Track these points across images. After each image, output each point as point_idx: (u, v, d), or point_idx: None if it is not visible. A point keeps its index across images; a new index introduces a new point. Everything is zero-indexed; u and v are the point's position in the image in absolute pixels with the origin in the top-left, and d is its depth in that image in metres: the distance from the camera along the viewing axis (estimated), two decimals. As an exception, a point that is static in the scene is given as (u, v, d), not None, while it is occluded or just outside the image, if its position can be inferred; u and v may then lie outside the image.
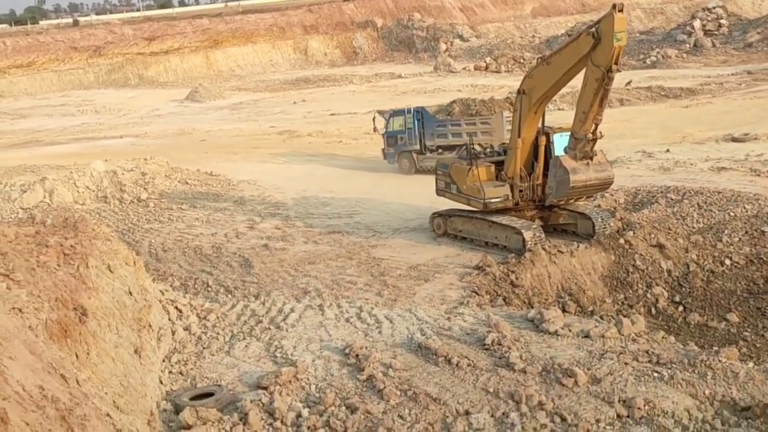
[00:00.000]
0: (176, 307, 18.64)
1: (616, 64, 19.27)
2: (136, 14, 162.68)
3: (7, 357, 8.49)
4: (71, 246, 15.20)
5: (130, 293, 16.25)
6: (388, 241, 24.90)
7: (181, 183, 34.47)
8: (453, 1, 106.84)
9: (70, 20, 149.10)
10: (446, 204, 25.12)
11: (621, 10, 19.15)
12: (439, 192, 24.97)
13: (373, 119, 37.60)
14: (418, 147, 35.15)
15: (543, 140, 22.65)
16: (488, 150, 24.95)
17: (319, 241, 25.45)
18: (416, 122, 35.26)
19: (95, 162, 35.31)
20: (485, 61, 74.80)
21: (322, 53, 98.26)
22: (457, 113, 35.70)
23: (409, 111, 36.16)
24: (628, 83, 53.49)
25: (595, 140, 20.58)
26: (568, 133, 21.73)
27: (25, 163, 40.77)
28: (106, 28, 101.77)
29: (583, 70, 20.30)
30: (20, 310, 10.90)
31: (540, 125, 22.71)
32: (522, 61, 72.57)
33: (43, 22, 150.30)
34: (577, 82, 21.47)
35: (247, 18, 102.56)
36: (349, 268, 22.31)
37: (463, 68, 75.68)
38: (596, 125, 20.34)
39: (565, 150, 21.18)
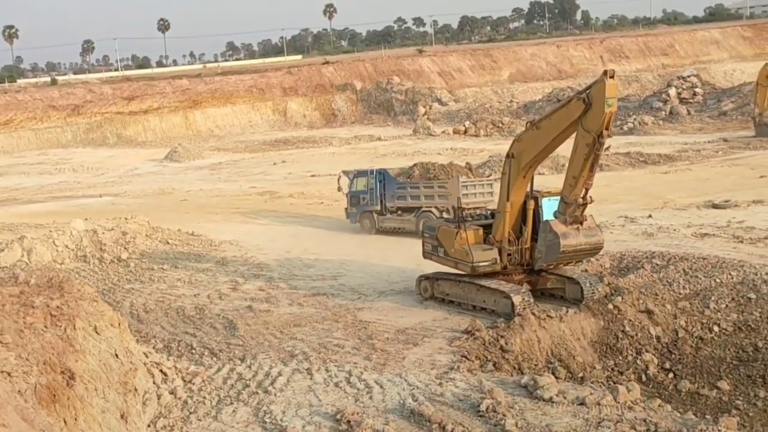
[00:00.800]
0: (161, 370, 18.23)
1: (607, 129, 19.34)
2: (114, 74, 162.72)
3: (0, 424, 8.16)
4: (58, 307, 14.87)
5: (116, 356, 15.89)
6: (375, 303, 24.64)
7: (162, 243, 34.11)
8: (431, 65, 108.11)
9: (48, 79, 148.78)
10: (432, 267, 24.95)
11: (612, 77, 19.27)
12: (426, 255, 24.78)
13: (338, 179, 38.18)
14: (378, 208, 35.98)
15: (532, 204, 22.58)
16: (476, 213, 24.86)
17: (304, 303, 25.16)
18: (378, 183, 36.14)
19: (75, 221, 34.89)
20: (464, 125, 75.33)
21: (302, 115, 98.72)
22: (417, 176, 36.25)
23: (371, 172, 37.09)
24: (607, 148, 53.86)
25: (585, 205, 20.57)
26: (557, 197, 21.73)
27: (3, 221, 40.27)
28: (84, 87, 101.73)
29: (573, 135, 20.36)
30: (9, 374, 10.57)
31: (528, 189, 22.66)
32: (501, 125, 73.13)
33: (20, 81, 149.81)
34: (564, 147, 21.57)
35: (227, 79, 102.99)
36: (336, 331, 22.00)
37: (443, 132, 76.18)
38: (587, 190, 20.34)
39: (555, 214, 21.13)
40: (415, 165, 37.78)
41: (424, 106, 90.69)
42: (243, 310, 24.72)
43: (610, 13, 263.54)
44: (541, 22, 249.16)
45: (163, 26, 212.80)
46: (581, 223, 20.79)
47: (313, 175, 54.85)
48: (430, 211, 34.26)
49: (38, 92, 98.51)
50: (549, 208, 22.24)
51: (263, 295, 26.44)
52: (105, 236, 33.34)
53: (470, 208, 32.25)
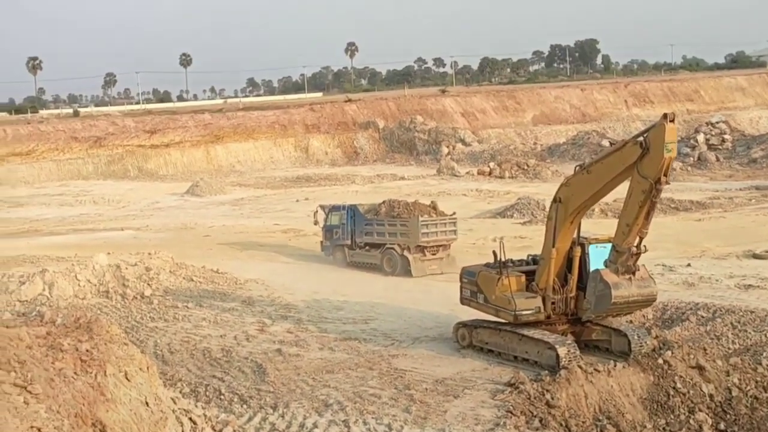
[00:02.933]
0: (190, 419, 17.19)
1: (665, 175, 18.39)
2: (135, 107, 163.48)
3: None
4: (87, 351, 13.94)
5: (146, 404, 14.92)
6: (409, 350, 23.64)
7: (186, 280, 33.25)
8: (455, 105, 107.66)
9: (70, 110, 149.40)
10: (468, 313, 23.99)
11: (672, 120, 18.30)
12: (464, 301, 23.79)
13: (315, 213, 39.81)
14: (349, 242, 37.34)
15: (578, 251, 21.58)
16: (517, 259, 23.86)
17: (335, 348, 24.19)
18: (349, 219, 37.51)
19: (98, 255, 34.10)
20: (489, 166, 74.57)
21: (323, 152, 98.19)
22: (383, 214, 36.95)
23: (344, 207, 38.66)
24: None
25: (638, 254, 19.57)
26: (605, 245, 20.81)
27: (24, 253, 39.63)
28: (107, 119, 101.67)
29: (627, 181, 19.45)
30: (39, 430, 9.62)
31: (575, 235, 21.70)
32: (526, 167, 72.33)
33: (43, 112, 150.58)
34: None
35: (249, 114, 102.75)
36: (371, 380, 20.99)
37: (467, 172, 75.38)
38: (641, 239, 19.37)
39: (606, 263, 20.11)
40: (383, 202, 38.49)
41: (448, 146, 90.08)
42: (272, 353, 23.76)
43: (630, 58, 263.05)
44: (562, 65, 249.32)
45: (185, 61, 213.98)
46: (634, 274, 19.77)
47: (337, 214, 54.01)
48: (392, 248, 35.31)
49: (60, 123, 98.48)
50: (596, 255, 21.28)
51: (292, 337, 25.50)
52: (128, 271, 32.50)
53: (431, 246, 34.98)
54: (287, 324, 27.14)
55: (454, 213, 37.40)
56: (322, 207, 40.44)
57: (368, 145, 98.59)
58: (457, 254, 37.94)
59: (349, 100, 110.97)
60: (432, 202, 38.67)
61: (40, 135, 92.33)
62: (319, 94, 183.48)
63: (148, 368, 16.69)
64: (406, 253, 35.00)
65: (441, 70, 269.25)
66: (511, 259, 23.27)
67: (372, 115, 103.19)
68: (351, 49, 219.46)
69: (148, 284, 31.96)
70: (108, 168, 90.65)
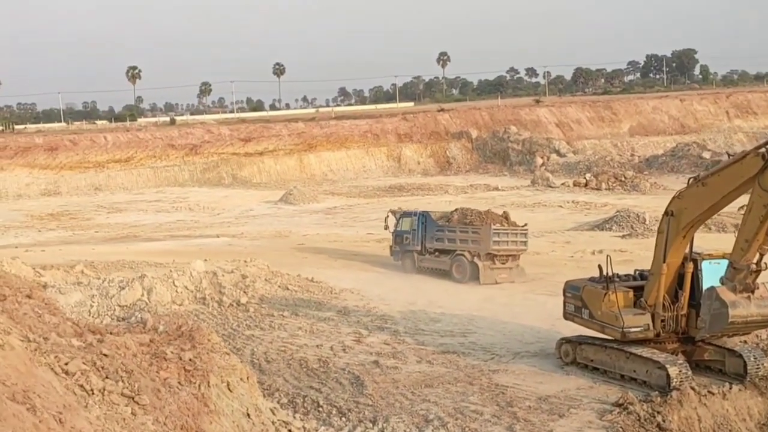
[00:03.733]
0: (290, 431, 16.93)
1: (788, 189, 17.38)
2: (230, 115, 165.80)
3: None
4: (190, 360, 13.74)
5: (248, 415, 14.66)
6: (510, 366, 22.96)
7: (281, 288, 33.16)
8: (549, 115, 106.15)
9: (167, 119, 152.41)
10: (571, 328, 23.22)
11: (798, 131, 17.26)
12: (568, 316, 22.99)
13: (386, 218, 40.44)
14: (419, 248, 37.67)
15: (690, 267, 20.64)
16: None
17: (433, 362, 23.67)
18: (420, 225, 37.95)
19: (195, 262, 34.31)
20: (585, 178, 73.08)
21: (416, 161, 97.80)
22: (455, 221, 37.27)
23: (415, 214, 39.22)
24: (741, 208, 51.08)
25: (758, 272, 18.53)
26: (719, 261, 19.86)
27: (123, 258, 40.16)
28: (203, 127, 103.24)
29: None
30: (147, 442, 9.33)
31: (687, 250, 20.75)
32: (623, 179, 70.64)
33: (141, 120, 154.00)
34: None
35: (342, 123, 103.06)
36: (472, 395, 20.41)
37: (562, 183, 74.02)
38: (761, 255, 18.35)
39: (722, 280, 19.11)
40: (455, 210, 38.86)
41: (542, 157, 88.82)
42: (369, 365, 23.36)
43: (729, 68, 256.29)
44: (658, 76, 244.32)
45: (279, 70, 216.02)
46: (752, 292, 18.73)
47: (430, 223, 53.49)
48: (462, 255, 35.62)
49: (158, 131, 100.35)
50: (709, 272, 20.33)
51: (389, 349, 25.07)
52: (224, 279, 32.59)
53: (501, 255, 35.06)
54: (384, 335, 26.75)
55: (526, 224, 37.40)
56: (393, 212, 41.08)
57: (461, 154, 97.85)
58: (556, 267, 37.30)
59: (442, 110, 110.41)
60: (504, 212, 38.80)
61: (138, 142, 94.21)
62: (411, 104, 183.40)
63: (248, 378, 16.48)
64: (476, 260, 35.31)
65: (533, 80, 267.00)
66: (617, 274, 22.38)
67: (465, 124, 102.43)
68: (443, 58, 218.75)
69: (245, 292, 31.97)
70: (203, 175, 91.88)
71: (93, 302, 30.60)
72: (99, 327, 16.44)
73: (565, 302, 23.12)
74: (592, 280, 22.69)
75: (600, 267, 22.13)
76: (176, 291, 31.77)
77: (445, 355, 24.29)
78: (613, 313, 20.96)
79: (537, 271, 36.74)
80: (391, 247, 39.42)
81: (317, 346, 25.65)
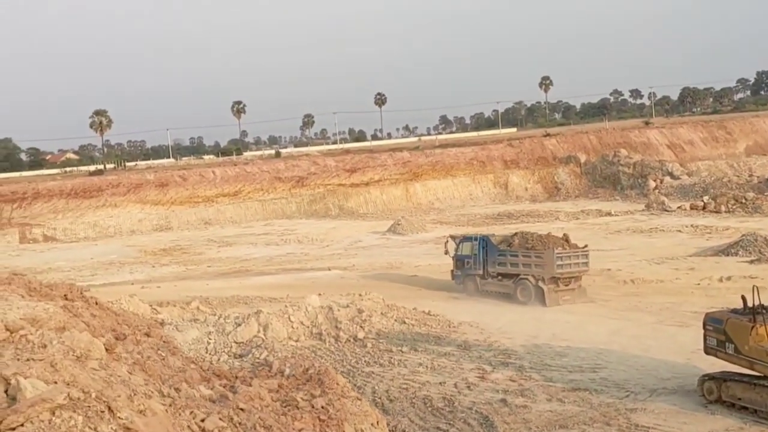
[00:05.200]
0: (423, 478, 16.03)
1: None
2: (333, 146, 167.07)
3: None
4: (323, 407, 12.98)
5: (382, 466, 13.82)
6: (648, 404, 21.56)
7: (398, 322, 32.37)
8: (660, 137, 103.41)
9: (272, 151, 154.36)
10: (712, 363, 21.72)
11: None
12: (710, 351, 21.49)
13: (446, 243, 41.65)
14: (481, 272, 38.75)
15: None
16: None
17: (564, 400, 22.43)
18: (481, 249, 38.92)
19: (310, 296, 33.91)
20: (702, 200, 70.44)
21: (523, 188, 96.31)
22: (516, 245, 37.77)
23: (476, 238, 40.04)
24: None
25: None
26: None
27: (238, 293, 40.07)
28: (308, 159, 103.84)
29: None
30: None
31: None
32: (744, 201, 67.76)
33: (247, 153, 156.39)
34: None
35: (447, 152, 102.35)
36: (611, 437, 19.15)
37: (678, 207, 71.50)
38: None
39: None
40: (515, 234, 39.46)
41: (655, 180, 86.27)
42: (497, 404, 22.28)
43: None
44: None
45: (380, 100, 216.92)
46: None
47: (544, 252, 52.09)
48: (527, 279, 36.30)
49: (265, 164, 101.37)
50: None
51: (516, 386, 23.93)
52: (340, 313, 32.00)
53: (564, 278, 35.70)
54: (508, 371, 25.63)
55: (586, 245, 37.92)
56: (453, 237, 42.20)
57: (569, 180, 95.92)
58: (682, 296, 35.76)
59: (548, 135, 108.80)
60: (564, 234, 39.23)
61: (246, 176, 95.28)
62: (514, 129, 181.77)
63: (378, 423, 15.66)
64: (540, 283, 35.88)
65: (638, 101, 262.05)
66: (764, 305, 20.84)
67: (572, 149, 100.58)
68: (545, 83, 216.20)
69: (361, 326, 31.30)
70: (310, 207, 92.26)
71: (210, 339, 30.39)
72: (224, 371, 15.88)
73: (705, 336, 21.66)
74: (735, 311, 21.19)
75: (744, 298, 20.67)
76: (292, 327, 31.30)
77: (576, 392, 23.04)
78: (763, 348, 19.46)
79: (663, 300, 35.20)
80: (452, 271, 40.58)
81: (440, 383, 24.70)
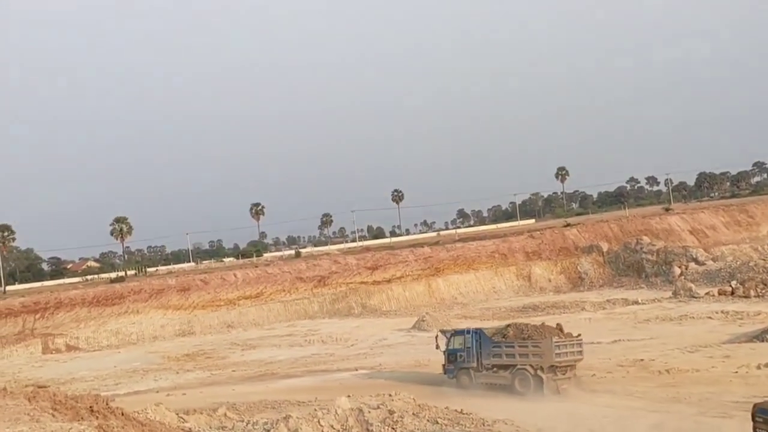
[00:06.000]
0: None
1: None
2: (353, 245, 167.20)
3: None
4: None
5: None
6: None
7: (430, 422, 31.40)
8: (681, 223, 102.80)
9: (292, 252, 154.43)
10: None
11: None
12: (762, 445, 20.65)
13: (436, 338, 42.28)
14: (475, 364, 39.37)
15: None
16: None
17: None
18: (474, 342, 39.59)
19: (339, 398, 33.10)
20: (730, 285, 69.50)
21: (546, 279, 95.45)
22: (511, 336, 38.62)
23: (468, 332, 40.91)
24: None
25: None
26: None
27: (265, 398, 39.29)
28: (329, 258, 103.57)
29: None
30: None
31: None
32: (772, 284, 66.79)
33: (267, 254, 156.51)
34: None
35: (468, 245, 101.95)
36: None
37: (706, 293, 70.49)
38: None
39: None
40: (509, 325, 40.34)
41: (680, 266, 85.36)
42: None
43: None
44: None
45: (397, 197, 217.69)
46: None
47: (573, 344, 51.11)
48: (524, 369, 37.10)
49: (286, 265, 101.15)
50: None
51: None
52: (371, 415, 31.13)
53: (562, 366, 36.55)
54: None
55: (580, 334, 38.75)
56: (443, 332, 42.94)
57: (593, 269, 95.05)
58: (721, 385, 34.81)
59: (568, 225, 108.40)
60: (557, 324, 40.20)
61: (267, 277, 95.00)
62: (532, 221, 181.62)
63: None
64: (539, 372, 36.68)
65: (655, 188, 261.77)
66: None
67: (594, 238, 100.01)
68: (562, 173, 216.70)
69: (393, 428, 30.41)
70: (332, 306, 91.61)
71: (239, 447, 29.61)
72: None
73: (755, 428, 20.85)
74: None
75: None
76: (323, 431, 30.49)
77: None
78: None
79: (701, 390, 34.24)
80: (444, 365, 41.28)
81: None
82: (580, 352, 37.70)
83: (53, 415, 10.11)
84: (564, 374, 36.84)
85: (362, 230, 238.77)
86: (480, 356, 39.21)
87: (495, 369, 38.63)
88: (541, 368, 36.55)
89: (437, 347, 41.62)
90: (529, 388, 36.72)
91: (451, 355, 40.71)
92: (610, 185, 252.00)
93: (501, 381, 38.07)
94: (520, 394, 36.44)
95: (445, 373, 41.04)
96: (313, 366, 53.25)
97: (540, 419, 31.38)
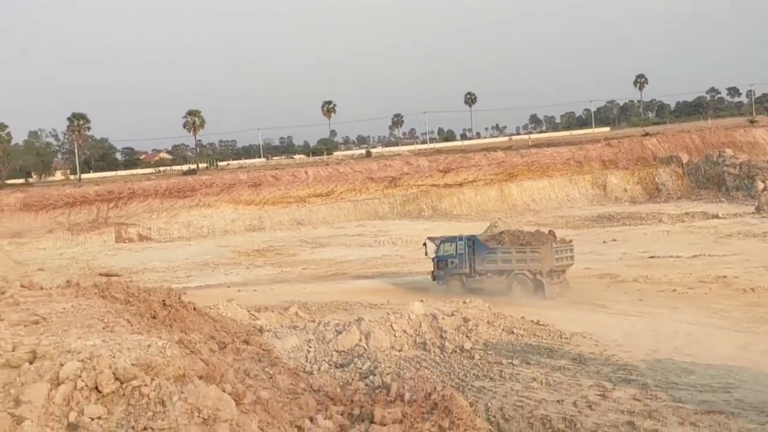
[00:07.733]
0: None
1: None
2: (423, 146, 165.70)
3: None
4: (456, 443, 11.49)
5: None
6: (796, 432, 19.51)
7: (506, 332, 30.58)
8: (767, 136, 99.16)
9: (362, 151, 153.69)
10: None
11: None
12: None
13: (424, 245, 43.43)
14: (467, 270, 40.16)
15: None
16: None
17: (698, 424, 20.41)
18: (467, 248, 40.38)
19: (412, 303, 32.34)
20: (818, 203, 66.95)
21: (622, 189, 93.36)
22: (508, 242, 39.70)
23: (461, 238, 41.67)
24: None
25: None
26: None
27: (336, 298, 38.89)
28: (401, 159, 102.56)
29: None
30: None
31: None
32: None
33: (336, 153, 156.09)
34: None
35: (543, 152, 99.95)
36: (759, 472, 17.20)
37: (791, 209, 68.07)
38: None
39: None
40: (503, 232, 42.13)
41: (763, 181, 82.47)
42: (624, 426, 20.40)
43: None
44: None
45: (470, 100, 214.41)
46: None
47: (651, 257, 49.69)
48: (523, 274, 38.36)
49: (357, 164, 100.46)
50: None
51: (641, 406, 21.97)
52: (445, 322, 30.40)
53: (557, 271, 38.22)
54: (631, 389, 23.66)
55: (571, 240, 41.15)
56: (431, 239, 43.63)
57: (671, 181, 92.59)
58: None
59: (647, 134, 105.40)
60: (550, 230, 41.87)
61: (338, 176, 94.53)
62: (607, 129, 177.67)
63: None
64: (539, 277, 38.07)
65: (736, 99, 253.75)
66: None
67: (674, 148, 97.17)
68: (640, 81, 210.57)
69: (467, 336, 29.64)
70: (403, 208, 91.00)
71: (310, 347, 29.18)
72: (338, 395, 14.46)
73: None
74: None
75: None
76: (395, 335, 29.85)
77: (711, 415, 20.97)
78: None
79: (792, 311, 32.75)
80: (432, 272, 41.98)
81: (558, 401, 22.89)
82: (572, 257, 39.41)
83: (128, 321, 9.44)
84: (558, 278, 38.47)
85: (433, 132, 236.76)
86: (473, 262, 39.99)
87: (489, 274, 39.49)
88: (540, 273, 37.93)
89: (426, 254, 42.49)
90: (528, 291, 38.04)
91: (440, 262, 41.37)
92: (689, 95, 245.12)
93: (496, 286, 38.99)
94: (516, 298, 37.49)
95: (433, 279, 41.75)
96: (383, 267, 52.77)
97: (620, 335, 30.34)
